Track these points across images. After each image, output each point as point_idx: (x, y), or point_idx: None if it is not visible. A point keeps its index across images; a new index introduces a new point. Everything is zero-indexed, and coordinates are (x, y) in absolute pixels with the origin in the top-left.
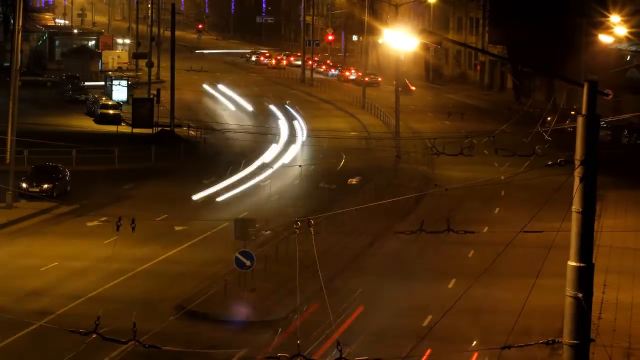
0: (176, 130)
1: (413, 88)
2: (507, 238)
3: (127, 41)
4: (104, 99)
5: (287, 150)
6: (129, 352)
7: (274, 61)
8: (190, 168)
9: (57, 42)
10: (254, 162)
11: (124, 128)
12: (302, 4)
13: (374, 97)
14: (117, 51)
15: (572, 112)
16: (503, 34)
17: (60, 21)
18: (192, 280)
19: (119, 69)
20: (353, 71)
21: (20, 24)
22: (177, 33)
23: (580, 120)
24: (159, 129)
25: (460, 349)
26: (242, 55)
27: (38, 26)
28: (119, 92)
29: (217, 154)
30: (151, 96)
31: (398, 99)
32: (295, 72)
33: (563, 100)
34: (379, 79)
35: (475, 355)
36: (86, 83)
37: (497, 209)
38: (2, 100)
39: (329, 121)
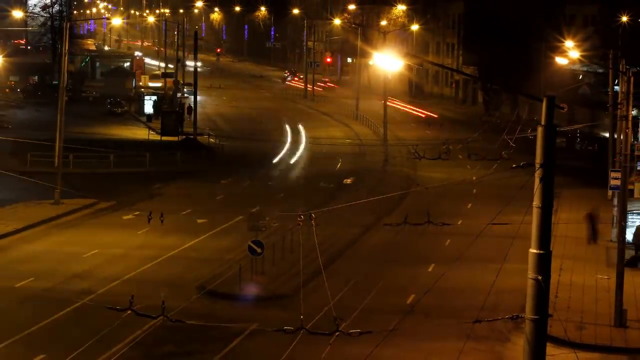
0: (198, 138)
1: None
2: (478, 229)
3: (157, 62)
4: None
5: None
6: (158, 326)
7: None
8: (210, 170)
9: (97, 64)
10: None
11: (154, 136)
12: (305, 31)
13: (366, 110)
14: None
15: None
16: (475, 57)
17: (100, 46)
18: (212, 264)
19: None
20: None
21: (67, 48)
22: (199, 56)
23: (539, 129)
24: (184, 137)
25: (438, 323)
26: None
27: (81, 50)
28: (150, 106)
29: (233, 159)
30: (177, 109)
31: (386, 111)
32: (299, 89)
33: (525, 113)
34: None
35: (451, 328)
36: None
37: (470, 205)
38: (52, 113)
39: (328, 130)
